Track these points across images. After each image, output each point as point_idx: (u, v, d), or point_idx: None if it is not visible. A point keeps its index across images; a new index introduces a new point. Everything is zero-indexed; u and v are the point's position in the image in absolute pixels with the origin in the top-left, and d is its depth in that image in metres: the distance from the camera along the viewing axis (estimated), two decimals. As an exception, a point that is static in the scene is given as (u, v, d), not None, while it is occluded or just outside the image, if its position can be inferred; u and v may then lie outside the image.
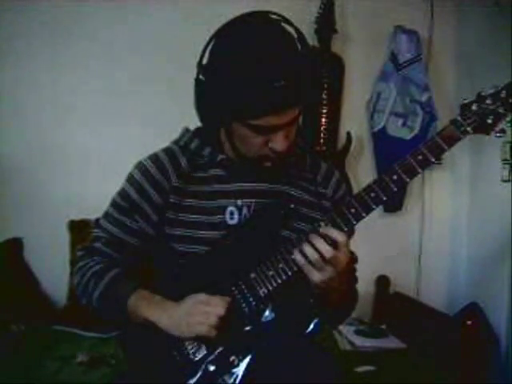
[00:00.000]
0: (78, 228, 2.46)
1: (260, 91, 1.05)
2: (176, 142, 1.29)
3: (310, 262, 1.09)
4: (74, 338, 2.20)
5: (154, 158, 1.26)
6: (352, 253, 1.17)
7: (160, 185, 1.23)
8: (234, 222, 1.21)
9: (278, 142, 1.12)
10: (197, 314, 1.11)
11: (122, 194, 1.26)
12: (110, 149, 2.50)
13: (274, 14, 1.14)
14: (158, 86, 2.51)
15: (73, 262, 2.23)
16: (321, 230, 1.10)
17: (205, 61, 1.14)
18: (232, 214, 1.21)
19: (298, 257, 1.10)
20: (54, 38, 2.48)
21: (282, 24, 1.13)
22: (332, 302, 1.18)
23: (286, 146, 1.13)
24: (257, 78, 1.04)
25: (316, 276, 1.09)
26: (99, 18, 2.51)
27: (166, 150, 1.28)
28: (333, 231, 1.09)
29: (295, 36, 1.12)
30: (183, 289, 1.17)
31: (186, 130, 1.30)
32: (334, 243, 1.08)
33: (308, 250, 1.09)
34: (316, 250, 1.08)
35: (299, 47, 1.12)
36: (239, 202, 1.22)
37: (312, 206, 1.28)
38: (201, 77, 1.14)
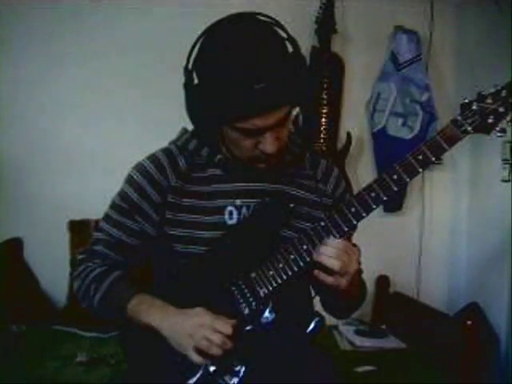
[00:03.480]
0: (78, 228, 2.46)
1: (241, 94, 1.04)
2: (174, 142, 1.28)
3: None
4: (74, 337, 2.21)
5: (153, 158, 1.26)
6: (355, 245, 1.22)
7: (159, 184, 1.22)
8: (234, 221, 1.21)
9: (267, 144, 1.11)
10: (199, 339, 1.08)
11: (122, 195, 1.26)
12: (110, 149, 2.49)
13: (261, 14, 1.12)
14: (157, 86, 2.50)
15: (73, 262, 2.23)
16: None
17: (190, 66, 1.12)
18: (231, 213, 1.21)
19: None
20: (53, 37, 2.48)
21: (271, 25, 1.10)
22: (352, 294, 1.21)
23: (276, 147, 1.12)
24: (237, 81, 1.03)
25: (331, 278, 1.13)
26: (99, 17, 2.51)
27: (165, 150, 1.27)
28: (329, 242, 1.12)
29: (285, 37, 1.10)
30: (183, 289, 1.16)
31: (184, 130, 1.29)
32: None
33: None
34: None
35: (288, 48, 1.10)
36: (238, 201, 1.21)
37: (312, 204, 1.28)
38: (188, 81, 1.13)
